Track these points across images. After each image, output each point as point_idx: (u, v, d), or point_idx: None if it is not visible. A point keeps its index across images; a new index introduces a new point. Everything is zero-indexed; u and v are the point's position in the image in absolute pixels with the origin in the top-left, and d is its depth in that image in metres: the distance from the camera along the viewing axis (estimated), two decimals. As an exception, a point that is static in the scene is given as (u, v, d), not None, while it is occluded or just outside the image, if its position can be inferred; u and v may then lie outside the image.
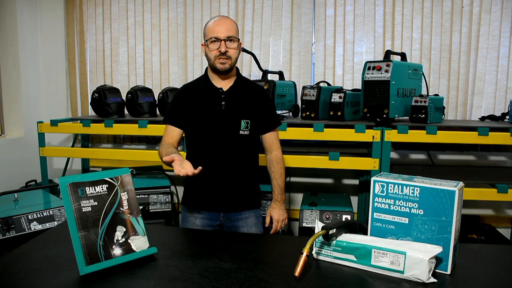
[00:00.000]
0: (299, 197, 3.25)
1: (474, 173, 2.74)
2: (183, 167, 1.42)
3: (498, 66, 2.97)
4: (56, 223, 2.14)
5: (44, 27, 3.56)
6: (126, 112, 3.10)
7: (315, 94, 2.68)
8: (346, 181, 3.32)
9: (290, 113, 2.96)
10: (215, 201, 1.80)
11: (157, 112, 3.06)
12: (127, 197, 1.24)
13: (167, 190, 2.72)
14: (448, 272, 1.15)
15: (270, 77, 2.97)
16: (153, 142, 3.49)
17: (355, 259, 1.17)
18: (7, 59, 3.37)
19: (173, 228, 2.31)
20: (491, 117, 2.89)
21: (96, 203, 1.18)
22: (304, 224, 2.56)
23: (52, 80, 3.60)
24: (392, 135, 2.41)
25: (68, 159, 3.50)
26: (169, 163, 1.48)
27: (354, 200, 3.10)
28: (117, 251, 1.18)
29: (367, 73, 2.49)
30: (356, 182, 3.27)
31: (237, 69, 1.81)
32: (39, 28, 3.56)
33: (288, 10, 3.20)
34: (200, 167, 1.44)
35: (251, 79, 2.81)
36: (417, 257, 1.08)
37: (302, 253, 1.10)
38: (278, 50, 3.26)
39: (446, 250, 1.14)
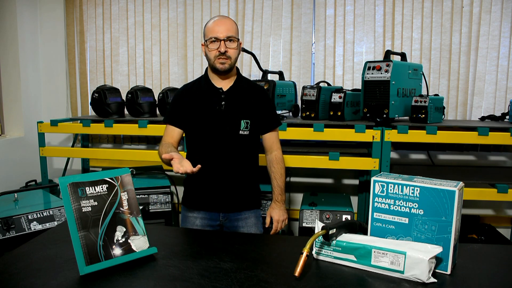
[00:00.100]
0: (299, 197, 3.25)
1: (474, 173, 2.74)
2: (182, 165, 1.42)
3: (498, 66, 2.97)
4: (56, 223, 2.14)
5: (44, 27, 3.56)
6: (126, 112, 3.10)
7: (315, 94, 2.68)
8: (346, 181, 3.32)
9: (290, 113, 2.96)
10: (215, 201, 1.80)
11: (157, 112, 3.06)
12: (127, 197, 1.24)
13: (167, 190, 2.72)
14: (448, 272, 1.15)
15: (270, 77, 2.97)
16: (153, 142, 3.49)
17: (355, 259, 1.17)
18: (7, 59, 3.37)
19: (173, 228, 2.31)
20: (491, 117, 2.89)
21: (96, 203, 1.18)
22: (304, 224, 2.56)
23: (52, 80, 3.60)
24: (392, 135, 2.41)
25: (68, 159, 3.50)
26: (168, 161, 1.48)
27: (354, 200, 3.10)
28: (117, 251, 1.18)
29: (367, 73, 2.49)
30: (356, 182, 3.27)
31: (237, 69, 1.81)
32: (39, 28, 3.56)
33: (288, 10, 3.20)
34: (199, 165, 1.43)
35: (251, 79, 2.81)
36: (417, 257, 1.08)
37: (302, 253, 1.10)
38: (278, 50, 3.26)
39: (446, 250, 1.14)
